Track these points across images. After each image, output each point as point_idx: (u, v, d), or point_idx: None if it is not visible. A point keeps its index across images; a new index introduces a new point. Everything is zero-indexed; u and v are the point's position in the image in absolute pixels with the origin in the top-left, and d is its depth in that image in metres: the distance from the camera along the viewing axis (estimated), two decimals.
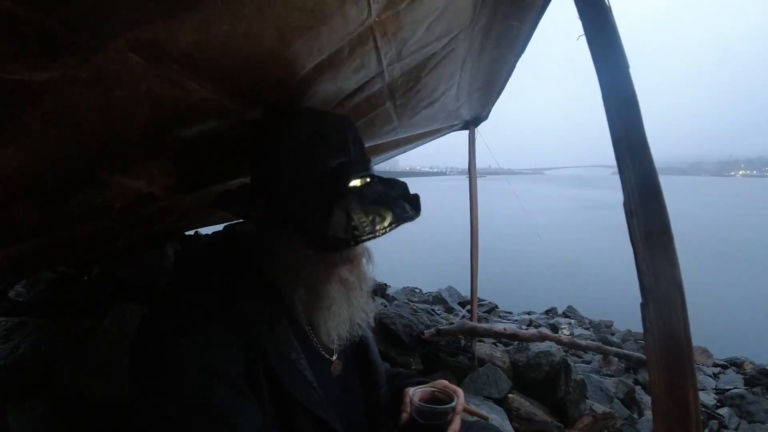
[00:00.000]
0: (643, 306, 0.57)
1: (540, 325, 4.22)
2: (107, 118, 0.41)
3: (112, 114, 0.40)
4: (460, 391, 0.76)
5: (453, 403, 0.72)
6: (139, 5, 0.30)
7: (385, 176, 0.66)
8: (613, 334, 5.19)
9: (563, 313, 5.94)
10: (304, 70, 0.57)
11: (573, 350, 3.32)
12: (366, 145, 1.42)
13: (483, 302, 5.10)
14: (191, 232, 1.96)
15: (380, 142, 1.49)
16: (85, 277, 1.56)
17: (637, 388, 3.02)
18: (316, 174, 0.59)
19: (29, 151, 0.38)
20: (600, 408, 2.36)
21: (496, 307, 5.31)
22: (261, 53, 0.47)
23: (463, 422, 0.74)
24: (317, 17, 0.48)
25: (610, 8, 0.56)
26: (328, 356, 0.73)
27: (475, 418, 0.85)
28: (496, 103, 2.19)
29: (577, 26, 0.64)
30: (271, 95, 0.61)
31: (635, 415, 2.66)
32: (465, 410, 0.76)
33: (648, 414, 2.63)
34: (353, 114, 0.88)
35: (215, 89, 0.48)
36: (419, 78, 0.99)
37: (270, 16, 0.42)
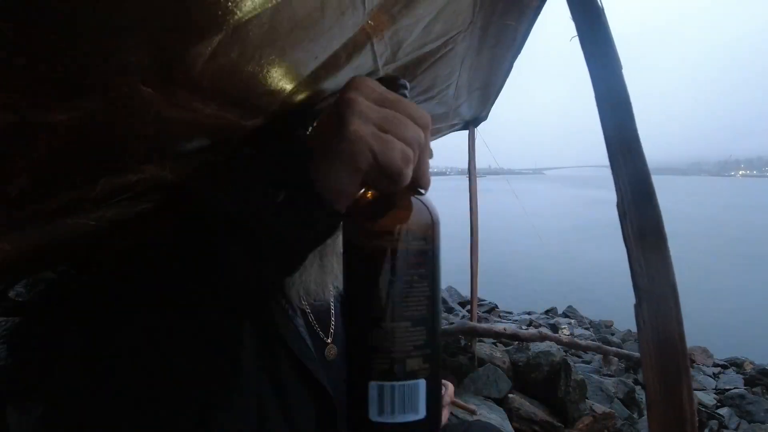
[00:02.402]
0: (637, 306, 0.57)
1: (540, 325, 4.23)
2: (113, 140, 0.42)
3: (119, 136, 0.42)
4: (449, 384, 0.77)
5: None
6: (152, 41, 0.31)
7: None
8: (613, 334, 5.19)
9: (563, 313, 5.95)
10: (301, 78, 0.59)
11: (573, 350, 3.33)
12: None
13: (483, 302, 5.10)
14: None
15: None
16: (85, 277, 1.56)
17: (637, 388, 3.02)
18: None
19: (37, 175, 0.39)
20: (600, 408, 2.37)
21: (496, 307, 5.30)
22: (264, 72, 0.49)
23: (464, 422, 0.74)
24: (318, 31, 0.48)
25: (602, 9, 0.56)
26: (323, 334, 0.71)
27: (475, 417, 0.86)
28: (495, 103, 2.20)
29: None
30: (270, 104, 0.63)
31: (635, 415, 2.66)
32: (453, 403, 0.76)
33: None
34: None
35: (217, 105, 0.50)
36: (414, 75, 1.00)
37: (275, 38, 0.43)
